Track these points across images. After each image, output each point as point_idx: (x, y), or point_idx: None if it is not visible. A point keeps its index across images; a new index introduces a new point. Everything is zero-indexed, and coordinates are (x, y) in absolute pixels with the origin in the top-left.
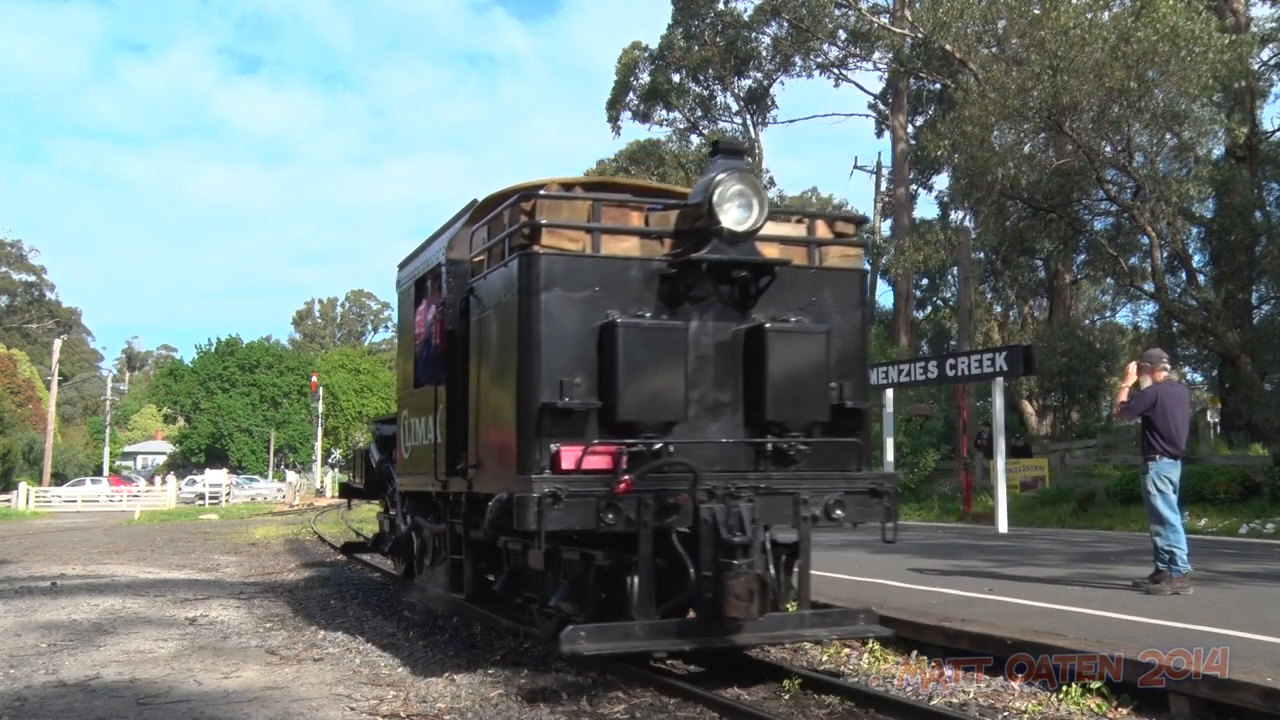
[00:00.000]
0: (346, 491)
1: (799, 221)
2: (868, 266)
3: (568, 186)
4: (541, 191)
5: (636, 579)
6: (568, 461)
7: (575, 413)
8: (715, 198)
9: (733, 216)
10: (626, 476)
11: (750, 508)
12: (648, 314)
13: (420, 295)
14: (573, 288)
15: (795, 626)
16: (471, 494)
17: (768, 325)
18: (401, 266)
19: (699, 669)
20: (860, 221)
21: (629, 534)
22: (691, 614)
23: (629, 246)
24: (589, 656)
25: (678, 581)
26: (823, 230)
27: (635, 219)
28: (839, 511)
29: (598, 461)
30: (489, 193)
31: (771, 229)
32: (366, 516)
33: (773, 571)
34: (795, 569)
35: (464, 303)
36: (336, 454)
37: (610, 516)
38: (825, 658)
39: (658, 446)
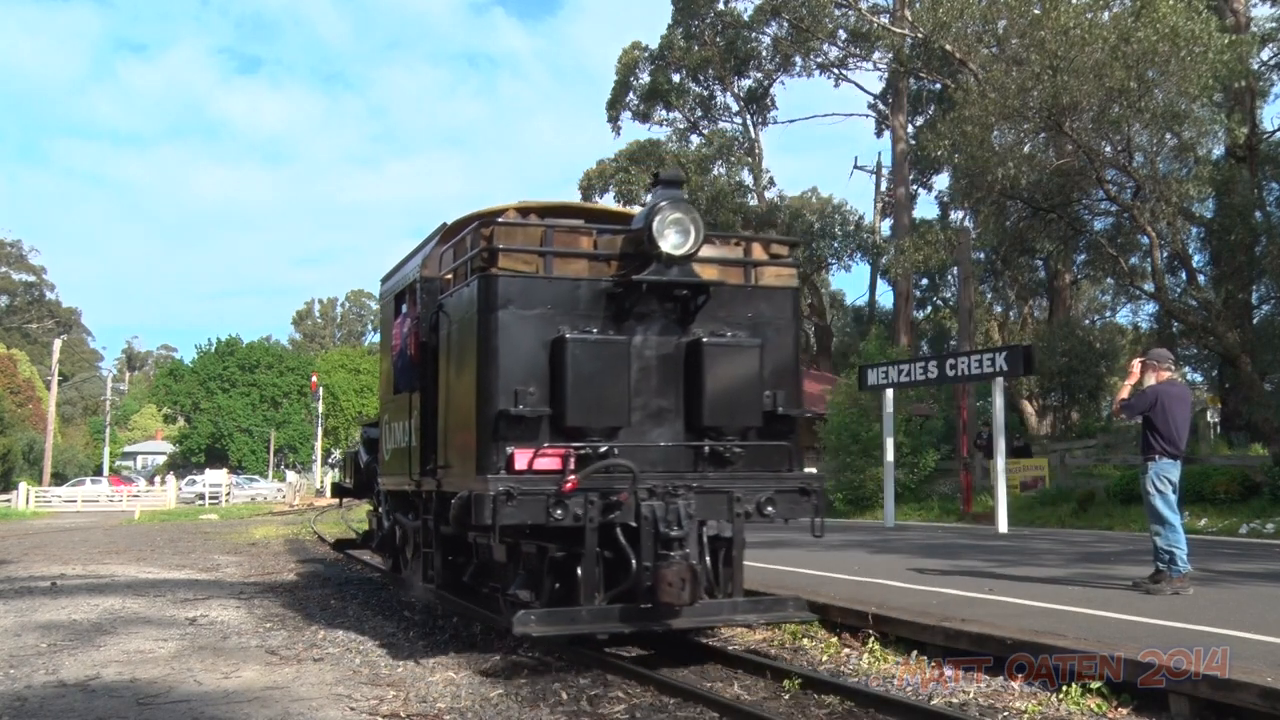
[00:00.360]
0: (338, 491)
1: (737, 244)
2: (799, 284)
3: (526, 211)
4: (499, 219)
5: (592, 568)
6: (521, 463)
7: (528, 419)
8: (655, 225)
9: (671, 241)
10: (573, 476)
11: (687, 505)
12: (595, 329)
13: (399, 308)
14: (526, 306)
15: (729, 612)
16: (440, 492)
17: (705, 339)
18: (383, 281)
19: (646, 652)
20: (794, 244)
21: (577, 528)
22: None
23: (579, 268)
24: (538, 637)
25: (623, 571)
26: (759, 252)
27: (585, 243)
28: (770, 508)
29: (548, 463)
30: (459, 215)
31: (710, 251)
32: (364, 515)
33: (709, 563)
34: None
35: (434, 317)
36: (336, 454)
37: (559, 512)
38: (825, 658)
39: (603, 449)
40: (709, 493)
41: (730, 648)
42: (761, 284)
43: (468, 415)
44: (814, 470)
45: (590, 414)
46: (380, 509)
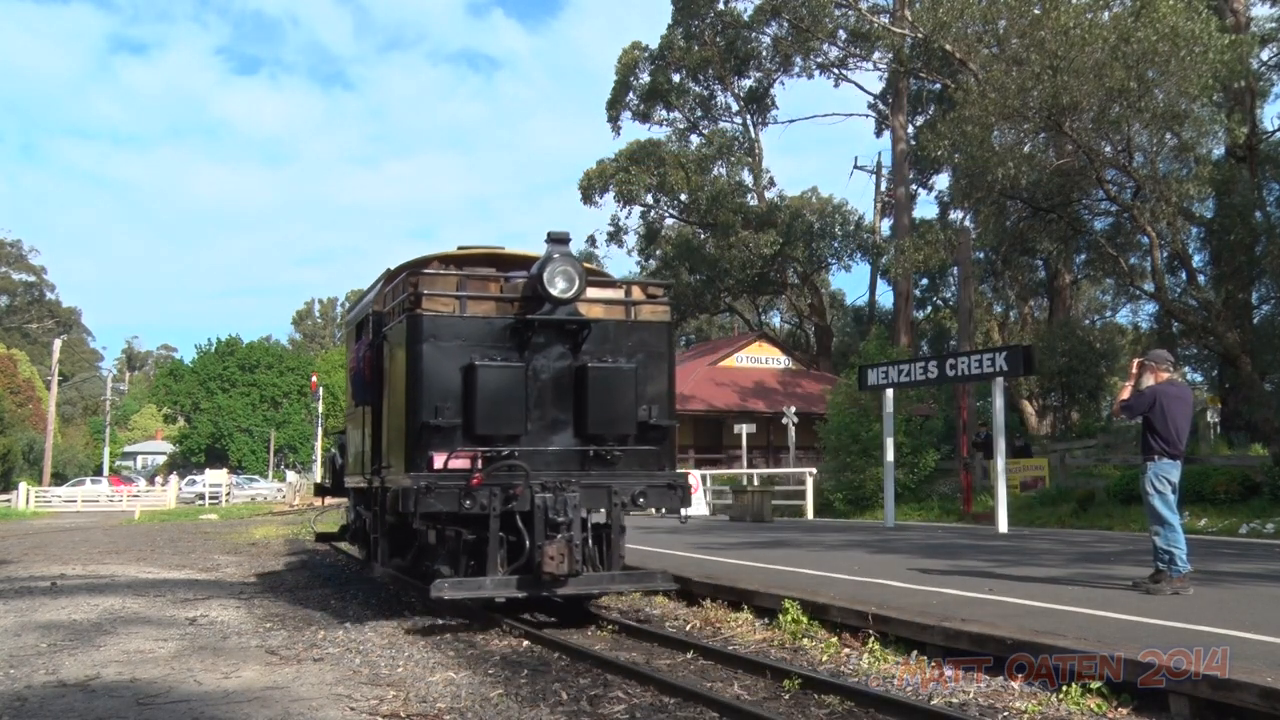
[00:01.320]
0: (319, 490)
1: (619, 287)
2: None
3: (449, 261)
4: (425, 269)
5: (496, 549)
6: (438, 463)
7: (445, 428)
8: (545, 274)
9: (559, 287)
10: (479, 474)
11: (573, 497)
12: (499, 357)
13: (359, 336)
14: (444, 339)
15: (606, 582)
16: (384, 488)
17: (590, 364)
18: (347, 312)
19: (551, 618)
20: (667, 287)
21: (484, 515)
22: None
23: (488, 308)
24: (449, 600)
25: (521, 550)
26: (638, 294)
27: (493, 288)
28: (642, 499)
29: (460, 463)
30: (404, 261)
31: (596, 293)
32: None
33: (590, 543)
34: (622, 540)
35: (380, 345)
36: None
37: (468, 502)
38: (825, 658)
39: (505, 452)
40: (591, 487)
41: (730, 648)
42: (639, 319)
43: (401, 425)
44: (684, 471)
45: (494, 424)
46: (351, 504)
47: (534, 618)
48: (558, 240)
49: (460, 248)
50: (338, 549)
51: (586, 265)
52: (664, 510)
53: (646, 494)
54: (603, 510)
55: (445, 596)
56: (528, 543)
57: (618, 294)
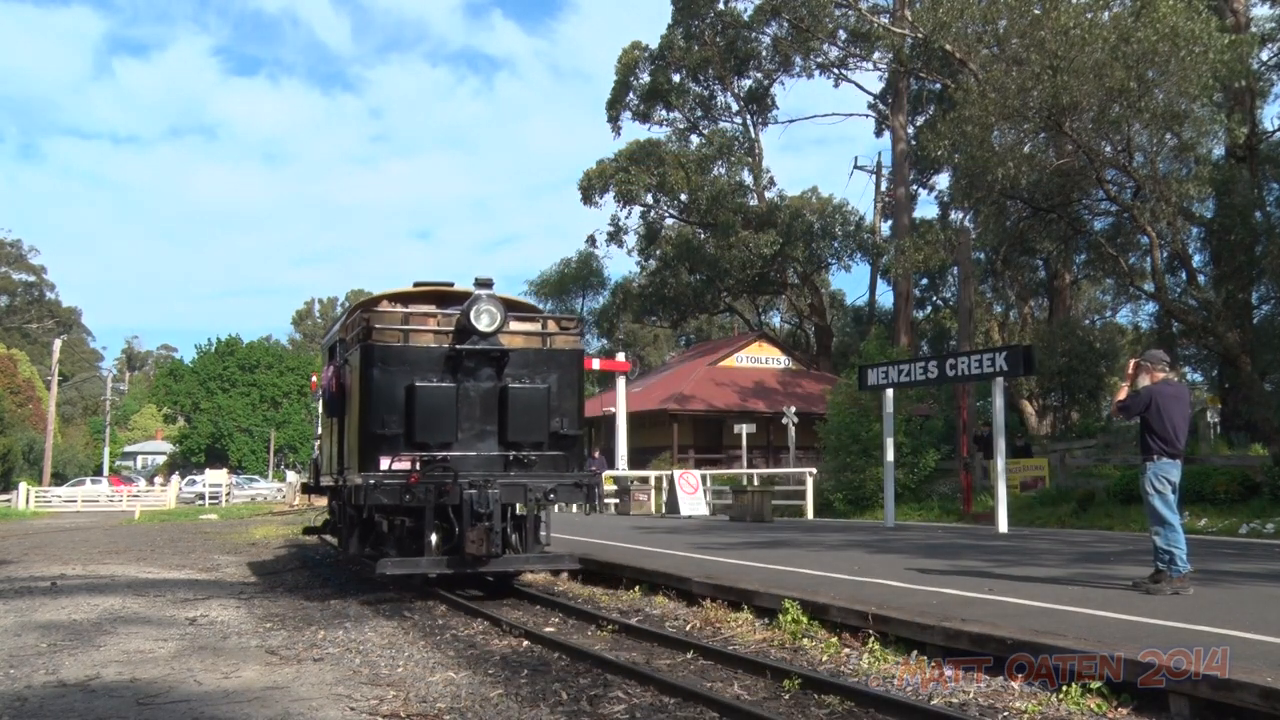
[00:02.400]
0: (305, 489)
1: (537, 320)
2: (584, 346)
3: (400, 298)
4: (376, 308)
5: (431, 534)
6: (385, 465)
7: (390, 437)
8: (472, 313)
9: (483, 323)
10: (415, 473)
11: (495, 493)
12: (435, 379)
13: (331, 358)
14: (390, 365)
15: (520, 563)
16: (346, 486)
17: (510, 385)
18: (323, 337)
19: (479, 593)
20: (579, 320)
21: (421, 507)
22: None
23: (427, 339)
24: (391, 576)
25: (452, 535)
26: (553, 326)
27: (431, 323)
28: (553, 495)
29: (402, 465)
30: (369, 296)
31: (517, 326)
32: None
33: (511, 531)
34: (542, 529)
35: (343, 367)
36: None
37: (408, 497)
38: (825, 658)
39: (438, 456)
40: (511, 486)
41: (730, 648)
42: (554, 347)
43: (356, 434)
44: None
45: (430, 434)
46: (328, 501)
47: (465, 592)
48: (484, 284)
49: (416, 283)
50: (324, 540)
51: (512, 299)
52: (566, 504)
53: (557, 491)
54: (520, 504)
55: (388, 573)
56: (457, 530)
57: (536, 326)
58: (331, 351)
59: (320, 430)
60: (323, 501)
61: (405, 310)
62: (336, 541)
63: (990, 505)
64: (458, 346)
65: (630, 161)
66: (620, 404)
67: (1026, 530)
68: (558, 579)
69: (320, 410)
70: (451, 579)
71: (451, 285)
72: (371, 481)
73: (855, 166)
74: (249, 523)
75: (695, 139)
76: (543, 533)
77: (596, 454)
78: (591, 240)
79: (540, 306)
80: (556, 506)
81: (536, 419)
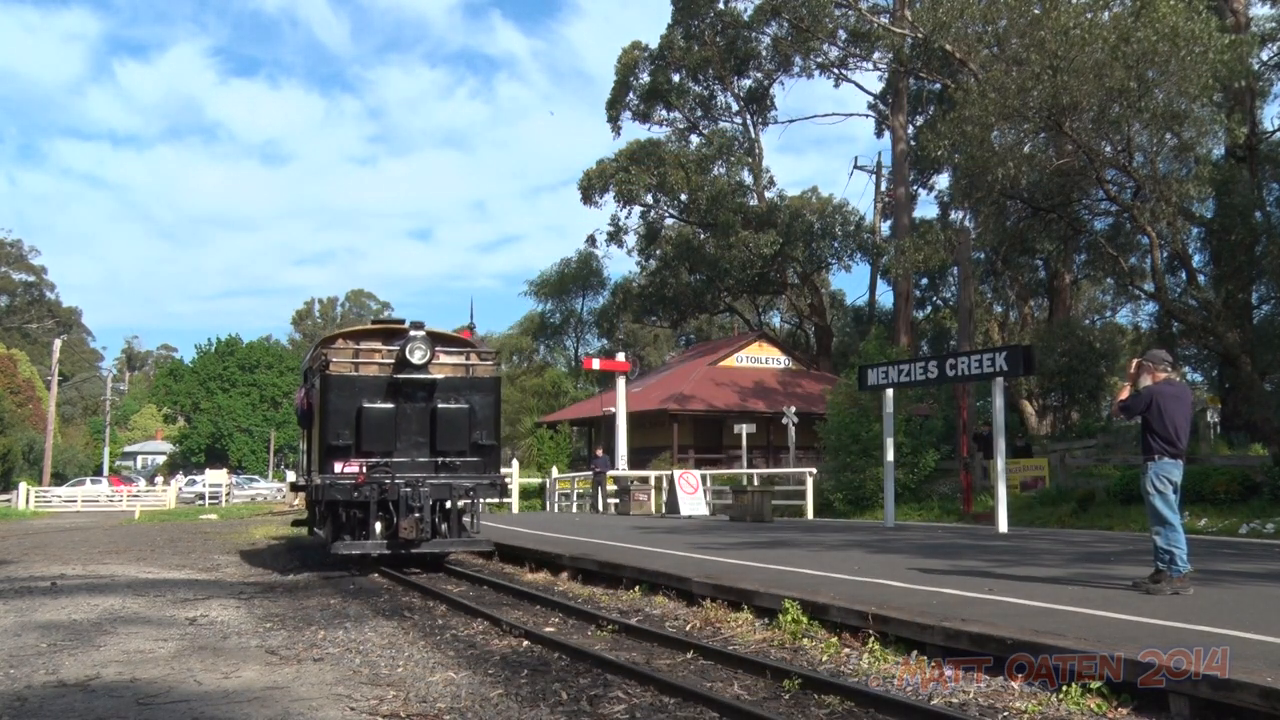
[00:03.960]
0: (293, 488)
1: (461, 352)
2: (500, 373)
3: (354, 335)
4: (333, 345)
5: (376, 523)
6: (338, 469)
7: (342, 447)
8: (406, 349)
9: (415, 357)
10: (361, 475)
11: (425, 490)
12: (379, 401)
13: (307, 380)
14: (343, 391)
15: (445, 545)
16: (312, 484)
17: (439, 405)
18: (302, 363)
19: (416, 570)
20: (496, 352)
21: (366, 501)
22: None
23: (373, 369)
24: (343, 555)
25: (392, 524)
26: (474, 357)
27: (377, 356)
28: (473, 492)
29: (351, 469)
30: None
31: (444, 358)
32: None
33: (439, 521)
34: (466, 519)
35: (310, 390)
36: None
37: (356, 494)
38: (825, 658)
39: (382, 462)
40: (439, 485)
41: (730, 648)
42: (475, 375)
43: (318, 444)
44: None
45: (374, 445)
46: (306, 497)
47: (404, 570)
48: (417, 326)
49: (374, 321)
50: (315, 533)
51: (443, 335)
52: (483, 500)
53: (476, 489)
54: (446, 500)
55: (340, 552)
56: (394, 519)
57: (461, 358)
58: (306, 375)
59: (299, 440)
60: (300, 497)
61: (356, 346)
62: (321, 532)
63: (990, 505)
64: (397, 376)
65: (630, 161)
66: (620, 404)
67: (1026, 530)
68: (557, 578)
69: (300, 423)
70: (392, 558)
71: (402, 322)
72: (328, 481)
73: (855, 166)
74: (249, 522)
75: (695, 139)
76: (467, 520)
77: (599, 452)
78: (591, 240)
79: (471, 341)
80: (556, 506)
81: (460, 432)
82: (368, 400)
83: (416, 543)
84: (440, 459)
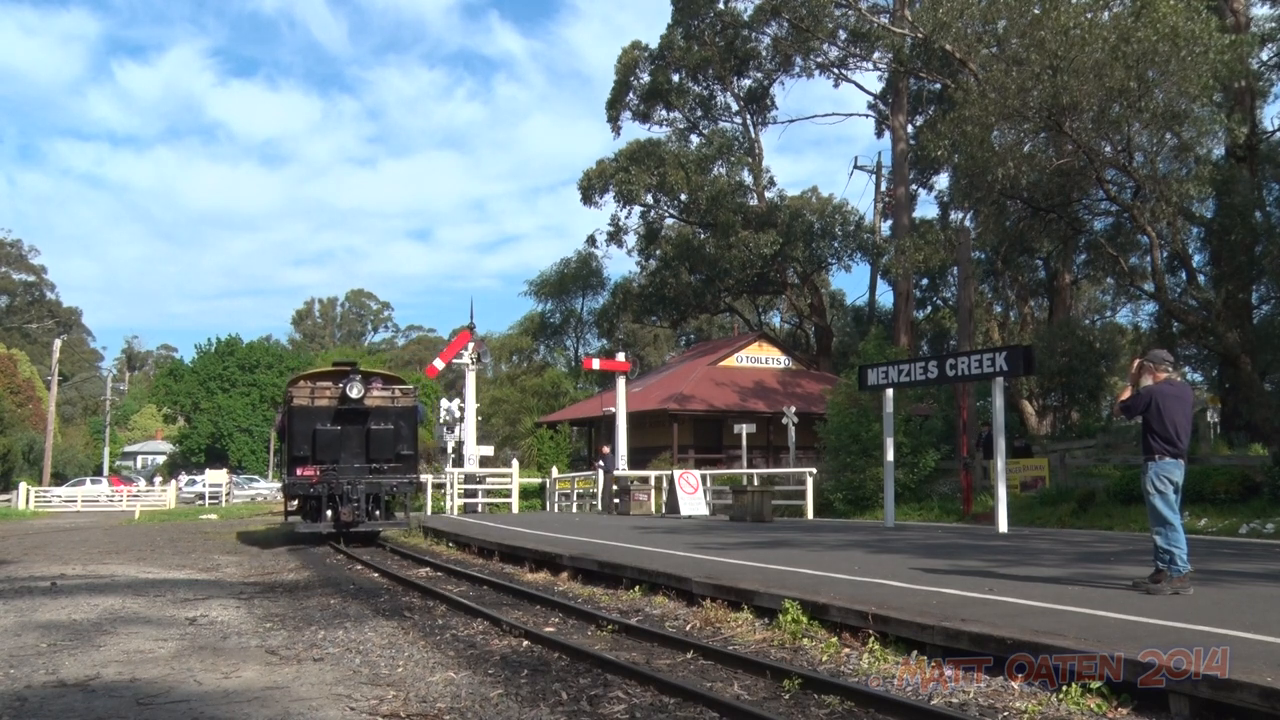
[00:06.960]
0: (281, 488)
1: (389, 385)
2: (419, 403)
3: (313, 375)
4: (296, 384)
5: (327, 510)
6: (300, 473)
7: (303, 457)
8: (345, 386)
9: (353, 392)
10: (316, 477)
11: (361, 487)
12: (329, 424)
13: (279, 408)
14: (303, 416)
15: (373, 525)
16: (285, 484)
17: (372, 426)
18: (285, 392)
19: (361, 544)
20: (414, 385)
21: (319, 495)
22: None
23: (325, 401)
24: (302, 534)
25: (337, 511)
26: (398, 390)
27: (329, 391)
28: (396, 490)
29: (309, 473)
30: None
31: (375, 391)
32: None
33: (372, 510)
34: (399, 509)
35: (284, 415)
36: None
37: (313, 489)
38: (825, 658)
39: (330, 468)
40: (371, 483)
41: (730, 648)
42: (399, 404)
43: (286, 455)
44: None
45: (325, 455)
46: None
47: (347, 546)
48: (355, 370)
49: (335, 364)
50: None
51: (376, 373)
52: (405, 495)
53: (399, 486)
54: (377, 495)
55: (300, 530)
56: (340, 507)
57: (388, 391)
58: (286, 400)
59: (282, 450)
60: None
61: (313, 385)
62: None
63: (990, 505)
64: (341, 406)
65: (630, 161)
66: (620, 404)
67: (1026, 530)
68: (558, 578)
69: (280, 438)
70: (338, 535)
71: (355, 364)
72: (294, 481)
73: (855, 166)
74: (249, 522)
75: (695, 139)
76: (399, 514)
77: (606, 450)
78: (591, 240)
79: (399, 377)
80: (556, 506)
81: (387, 446)
82: (320, 424)
83: (355, 524)
84: (372, 465)
